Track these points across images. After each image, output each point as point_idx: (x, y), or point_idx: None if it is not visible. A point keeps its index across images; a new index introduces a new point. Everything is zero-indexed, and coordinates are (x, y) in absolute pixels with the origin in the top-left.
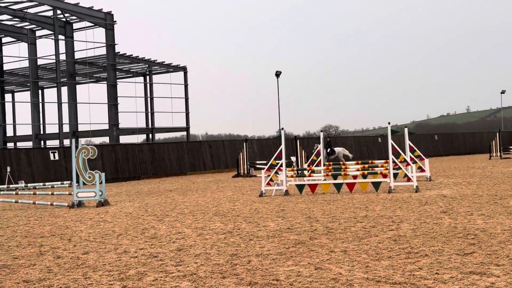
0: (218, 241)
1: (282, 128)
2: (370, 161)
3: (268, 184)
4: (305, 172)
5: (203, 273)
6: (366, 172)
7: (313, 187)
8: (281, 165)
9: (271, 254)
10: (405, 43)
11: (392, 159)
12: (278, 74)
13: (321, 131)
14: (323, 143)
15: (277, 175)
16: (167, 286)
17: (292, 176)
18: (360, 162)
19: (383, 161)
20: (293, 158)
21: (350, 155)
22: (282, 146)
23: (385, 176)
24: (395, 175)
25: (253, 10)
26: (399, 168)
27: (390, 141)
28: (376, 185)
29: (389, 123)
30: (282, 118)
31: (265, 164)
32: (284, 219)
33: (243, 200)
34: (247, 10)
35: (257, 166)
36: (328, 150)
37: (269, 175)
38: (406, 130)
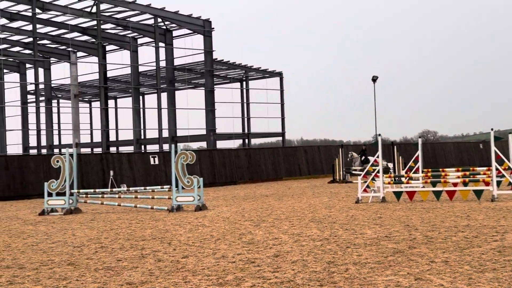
0: (315, 248)
1: (379, 134)
2: (471, 168)
3: (365, 190)
4: (403, 178)
5: (300, 280)
6: (467, 179)
7: (411, 194)
8: (378, 172)
9: (369, 263)
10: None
11: (495, 166)
12: (374, 79)
13: (419, 136)
14: (421, 150)
15: (374, 181)
16: None
17: (389, 183)
18: (460, 169)
19: (485, 168)
20: (390, 165)
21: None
22: (379, 152)
23: (487, 184)
24: (498, 183)
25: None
26: (503, 176)
27: (493, 148)
28: (478, 193)
29: (492, 129)
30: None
31: (362, 171)
32: (381, 227)
33: (339, 207)
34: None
35: (353, 172)
36: (363, 158)
37: (365, 182)
38: (510, 136)
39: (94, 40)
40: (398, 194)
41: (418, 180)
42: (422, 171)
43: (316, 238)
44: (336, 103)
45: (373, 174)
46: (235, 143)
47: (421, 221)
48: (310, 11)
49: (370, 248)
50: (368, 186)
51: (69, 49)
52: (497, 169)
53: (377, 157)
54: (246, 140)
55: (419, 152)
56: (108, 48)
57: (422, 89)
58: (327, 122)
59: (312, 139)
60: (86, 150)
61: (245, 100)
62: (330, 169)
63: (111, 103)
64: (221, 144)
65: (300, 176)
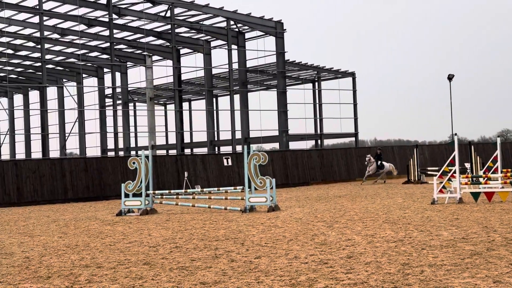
0: (389, 249)
1: (455, 134)
2: None
3: (441, 191)
4: (481, 179)
5: (374, 282)
6: None
7: (489, 195)
8: (455, 172)
9: (445, 265)
10: None
11: None
12: (450, 77)
13: (498, 136)
14: (500, 149)
15: (450, 182)
16: None
17: (466, 184)
18: None
19: None
20: (467, 165)
21: (395, 172)
22: (456, 152)
23: None
24: None
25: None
26: None
27: None
28: None
29: None
30: (455, 123)
31: (437, 171)
32: (458, 228)
33: (414, 208)
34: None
35: (429, 172)
36: (379, 162)
37: (441, 182)
38: None
39: (168, 44)
40: (475, 195)
41: (497, 180)
42: (501, 171)
43: (390, 240)
44: (410, 103)
45: (449, 174)
46: (307, 144)
47: (500, 222)
48: (383, 10)
49: (446, 250)
50: (444, 187)
51: (145, 53)
52: None
53: (453, 157)
54: (319, 141)
55: (498, 152)
56: (182, 51)
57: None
58: (401, 122)
59: (386, 140)
60: (161, 152)
61: (317, 101)
62: (405, 169)
63: (185, 105)
64: (293, 145)
65: (374, 177)
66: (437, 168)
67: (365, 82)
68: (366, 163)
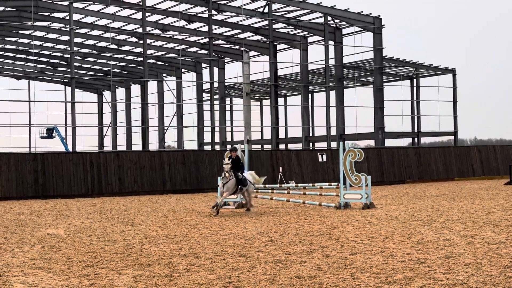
0: (490, 251)
1: None
2: None
3: None
4: None
5: (474, 283)
6: None
7: None
8: None
9: None
10: None
11: None
12: None
13: None
14: None
15: None
16: None
17: None
18: None
19: None
20: None
21: (260, 182)
22: None
23: None
24: None
25: None
26: None
27: None
28: None
29: None
30: None
31: None
32: None
33: None
34: None
35: None
36: (240, 174)
37: None
38: None
39: (265, 39)
40: None
41: None
42: None
43: (491, 241)
44: None
45: None
46: (404, 142)
47: None
48: (485, 5)
49: None
50: None
51: (242, 48)
52: None
53: None
54: (416, 139)
55: None
56: (278, 47)
57: None
58: (503, 120)
59: (486, 139)
60: (257, 147)
61: (415, 98)
62: (507, 170)
63: (281, 101)
64: (389, 143)
65: (473, 177)
66: None
67: (466, 79)
68: (222, 175)
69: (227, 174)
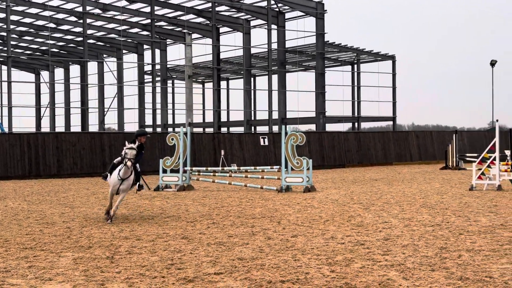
0: (426, 233)
1: (497, 120)
2: None
3: (479, 178)
4: None
5: (411, 264)
6: None
7: None
8: (494, 159)
9: (483, 250)
10: None
11: None
12: (493, 63)
13: None
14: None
15: (490, 169)
16: (374, 274)
17: (506, 171)
18: None
19: None
20: (508, 152)
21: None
22: (496, 139)
23: None
24: None
25: None
26: None
27: None
28: None
29: None
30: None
31: (476, 157)
32: (497, 215)
33: (451, 193)
34: None
35: (467, 158)
36: (138, 167)
37: (480, 169)
38: None
39: (208, 22)
40: None
41: None
42: None
43: (427, 224)
44: (450, 88)
45: (489, 161)
46: (344, 127)
47: None
48: None
49: (484, 236)
50: (483, 173)
51: (185, 31)
52: None
53: (494, 143)
54: (356, 124)
55: None
56: (221, 30)
57: None
58: (440, 107)
59: (424, 125)
60: (199, 130)
61: (356, 83)
62: (443, 155)
63: (223, 84)
64: (330, 127)
65: (411, 162)
66: (476, 155)
67: (405, 66)
68: (121, 166)
69: (128, 163)
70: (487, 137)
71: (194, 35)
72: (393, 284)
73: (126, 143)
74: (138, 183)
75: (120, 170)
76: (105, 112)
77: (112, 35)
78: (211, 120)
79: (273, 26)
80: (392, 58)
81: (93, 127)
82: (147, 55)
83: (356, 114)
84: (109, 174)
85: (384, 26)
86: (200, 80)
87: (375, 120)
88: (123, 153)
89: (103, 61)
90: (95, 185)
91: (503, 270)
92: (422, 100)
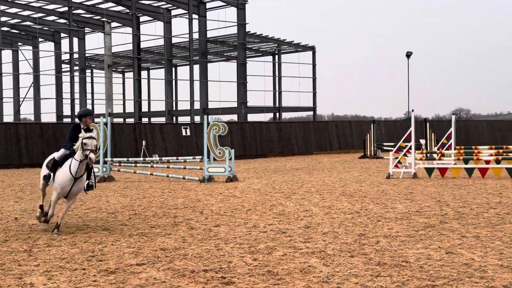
0: (346, 220)
1: (412, 110)
2: (505, 147)
3: (396, 166)
4: (435, 155)
5: (331, 250)
6: (500, 157)
7: (443, 171)
8: (410, 148)
9: (399, 236)
10: None
11: None
12: (408, 55)
13: (453, 114)
14: (454, 127)
15: (406, 157)
16: (296, 262)
17: (421, 159)
18: (493, 147)
19: None
20: (422, 141)
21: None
22: (412, 128)
23: None
24: None
25: None
26: None
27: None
28: (511, 171)
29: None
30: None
31: (393, 146)
32: (412, 202)
33: (370, 181)
34: None
35: (385, 148)
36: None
37: (397, 157)
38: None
39: (128, 10)
40: (429, 171)
41: (450, 157)
42: (455, 148)
43: (346, 211)
44: (368, 79)
45: (405, 150)
46: (266, 117)
47: (453, 197)
48: None
49: (401, 222)
50: (399, 162)
51: (104, 19)
52: None
53: (409, 133)
54: (277, 114)
55: (452, 129)
56: (142, 19)
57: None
58: (359, 98)
59: (343, 115)
60: (119, 120)
61: (277, 74)
62: (361, 144)
63: (144, 74)
64: (252, 117)
65: (331, 151)
66: (393, 144)
67: (325, 57)
68: (85, 157)
69: (92, 156)
70: (404, 126)
71: (114, 24)
72: (314, 270)
73: (83, 131)
74: (88, 181)
75: (72, 166)
76: (20, 102)
77: (28, 23)
78: (132, 110)
79: (194, 16)
80: (312, 49)
81: (8, 117)
82: (65, 44)
83: (277, 104)
84: (52, 174)
85: (304, 17)
86: (120, 70)
87: (296, 110)
88: (78, 143)
89: (18, 50)
90: (11, 177)
91: (419, 254)
92: (342, 91)
